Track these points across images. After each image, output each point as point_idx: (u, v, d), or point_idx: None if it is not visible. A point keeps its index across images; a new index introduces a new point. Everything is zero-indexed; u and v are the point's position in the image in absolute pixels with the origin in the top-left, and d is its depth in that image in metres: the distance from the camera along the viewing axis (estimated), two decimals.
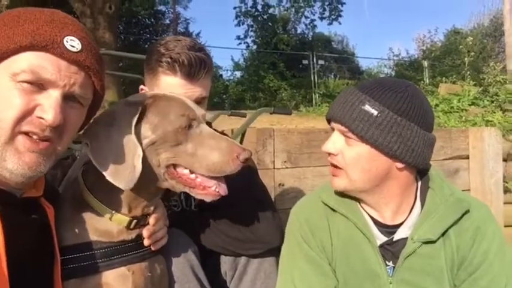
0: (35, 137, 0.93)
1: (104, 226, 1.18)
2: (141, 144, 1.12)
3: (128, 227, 1.20)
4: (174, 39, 1.47)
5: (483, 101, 6.47)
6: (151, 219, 1.24)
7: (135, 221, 1.21)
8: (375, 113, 1.19)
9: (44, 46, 0.93)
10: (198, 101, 1.47)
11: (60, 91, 0.94)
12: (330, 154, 1.30)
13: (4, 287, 0.86)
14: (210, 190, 1.17)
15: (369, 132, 1.19)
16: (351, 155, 1.24)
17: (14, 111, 0.90)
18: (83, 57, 0.97)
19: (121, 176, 1.07)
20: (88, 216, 1.18)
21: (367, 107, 1.20)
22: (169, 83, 1.43)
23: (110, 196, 1.18)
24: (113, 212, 1.18)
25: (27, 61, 0.92)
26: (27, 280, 0.96)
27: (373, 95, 1.22)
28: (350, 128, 1.21)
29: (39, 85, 0.93)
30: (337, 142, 1.27)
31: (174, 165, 1.17)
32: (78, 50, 0.97)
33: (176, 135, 1.14)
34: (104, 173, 1.08)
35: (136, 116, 1.11)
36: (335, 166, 1.29)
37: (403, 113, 1.20)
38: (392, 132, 1.19)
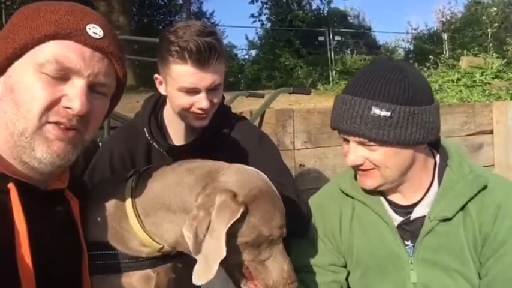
0: (62, 126, 0.93)
1: (137, 249, 1.14)
2: (232, 239, 1.07)
3: (169, 254, 1.18)
4: (184, 26, 1.43)
5: (507, 73, 6.30)
6: None
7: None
8: (388, 114, 1.17)
9: (68, 34, 0.93)
10: (212, 89, 1.45)
11: (85, 80, 0.94)
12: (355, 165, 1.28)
13: (30, 278, 0.88)
14: None
15: (390, 135, 1.18)
16: (378, 158, 1.23)
17: (40, 102, 0.90)
18: (106, 43, 0.97)
19: (200, 272, 1.05)
20: (125, 233, 1.14)
21: (377, 111, 1.18)
22: (180, 72, 1.41)
23: (161, 231, 1.13)
24: (161, 246, 1.14)
25: (52, 51, 0.92)
26: (53, 272, 0.97)
27: (375, 96, 1.19)
28: (370, 138, 1.20)
29: (64, 75, 0.93)
30: (358, 152, 1.25)
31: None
32: (100, 36, 0.96)
33: (264, 243, 1.10)
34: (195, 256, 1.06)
35: (236, 217, 1.04)
36: (365, 170, 1.28)
37: (412, 101, 1.18)
38: (410, 125, 1.18)
